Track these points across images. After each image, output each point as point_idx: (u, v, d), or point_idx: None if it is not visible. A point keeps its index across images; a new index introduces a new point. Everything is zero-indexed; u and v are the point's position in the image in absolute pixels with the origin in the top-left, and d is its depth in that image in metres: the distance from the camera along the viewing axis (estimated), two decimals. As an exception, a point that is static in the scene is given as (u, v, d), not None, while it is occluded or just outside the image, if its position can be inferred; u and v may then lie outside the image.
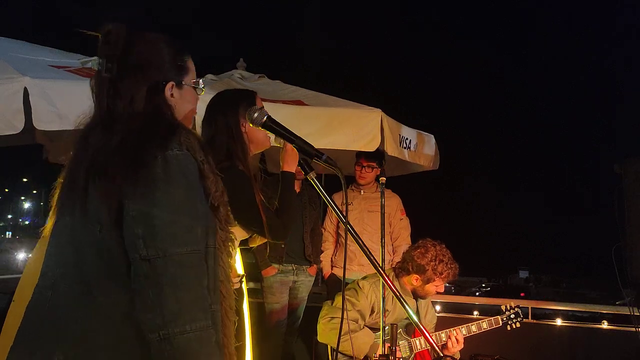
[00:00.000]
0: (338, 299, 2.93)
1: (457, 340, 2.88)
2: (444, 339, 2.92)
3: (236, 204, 1.86)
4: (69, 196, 1.28)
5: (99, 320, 1.19)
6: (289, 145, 1.93)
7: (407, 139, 3.87)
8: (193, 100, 1.44)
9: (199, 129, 3.13)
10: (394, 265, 3.14)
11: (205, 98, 3.14)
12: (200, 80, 1.44)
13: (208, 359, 1.16)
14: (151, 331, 1.14)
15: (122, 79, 1.29)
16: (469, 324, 3.01)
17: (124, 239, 1.18)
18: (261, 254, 3.89)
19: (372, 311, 2.84)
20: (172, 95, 1.35)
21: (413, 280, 2.90)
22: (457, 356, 3.01)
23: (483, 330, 3.03)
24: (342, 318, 1.80)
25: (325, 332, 2.81)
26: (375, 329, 2.82)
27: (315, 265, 4.11)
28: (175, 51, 1.38)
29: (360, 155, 4.06)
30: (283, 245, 3.89)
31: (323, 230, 4.27)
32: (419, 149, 4.08)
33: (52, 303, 1.24)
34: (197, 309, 1.16)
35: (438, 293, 2.98)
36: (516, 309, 3.14)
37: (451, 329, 2.95)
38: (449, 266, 2.86)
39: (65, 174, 1.32)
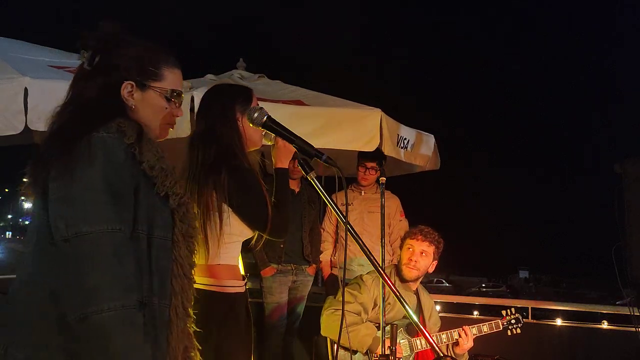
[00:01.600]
0: (340, 293, 2.95)
1: (466, 334, 2.89)
2: (444, 340, 2.93)
3: (246, 200, 1.86)
4: (31, 188, 1.30)
5: (32, 306, 1.21)
6: (281, 142, 1.91)
7: (405, 139, 3.86)
8: (158, 107, 1.42)
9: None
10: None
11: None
12: (173, 92, 1.43)
13: (126, 340, 1.14)
14: (70, 311, 1.14)
15: (96, 72, 1.34)
16: (470, 326, 3.01)
17: (50, 221, 1.20)
18: (260, 254, 3.89)
19: (375, 304, 2.85)
20: (132, 95, 1.37)
21: (400, 256, 3.00)
22: (466, 357, 3.01)
23: (483, 334, 3.04)
24: (342, 318, 1.80)
25: (328, 324, 2.81)
26: (377, 325, 2.82)
27: (314, 265, 4.11)
28: (151, 56, 1.40)
29: (364, 157, 4.06)
30: (282, 245, 3.88)
31: (322, 230, 4.27)
32: (416, 149, 4.06)
33: (7, 297, 1.28)
34: (117, 288, 1.15)
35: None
36: (517, 315, 3.14)
37: (453, 329, 2.95)
38: (417, 227, 3.02)
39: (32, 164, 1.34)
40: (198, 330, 1.84)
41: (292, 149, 1.88)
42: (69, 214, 1.17)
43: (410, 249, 2.93)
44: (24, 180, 1.32)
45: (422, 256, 2.92)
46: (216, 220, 1.85)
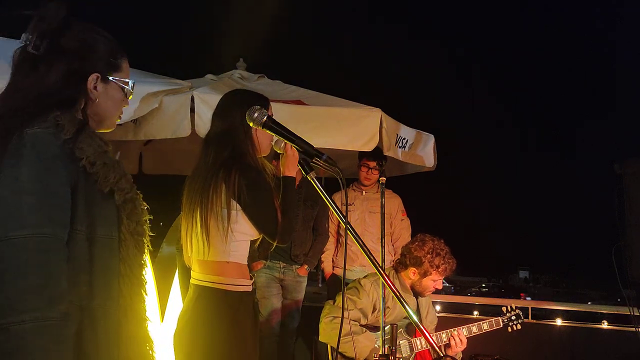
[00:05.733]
0: (340, 299, 2.93)
1: (460, 340, 2.89)
2: (444, 339, 2.93)
3: (255, 200, 1.88)
4: None
5: None
6: (290, 150, 1.93)
7: (404, 138, 3.84)
8: (117, 99, 1.38)
9: (198, 128, 3.16)
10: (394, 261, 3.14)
11: (212, 99, 3.14)
12: (130, 82, 1.40)
13: (46, 355, 1.06)
14: None
15: (45, 56, 1.24)
16: (470, 325, 3.01)
17: None
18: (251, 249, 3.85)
19: (374, 309, 2.84)
20: (95, 87, 1.31)
21: (411, 274, 2.91)
22: (459, 356, 3.01)
23: (483, 331, 3.03)
24: (342, 318, 1.80)
25: (327, 332, 2.81)
26: (377, 327, 2.82)
27: (305, 266, 4.03)
28: (111, 47, 1.35)
29: (365, 156, 4.04)
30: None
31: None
32: (414, 149, 4.04)
33: None
34: (39, 298, 1.07)
35: (437, 291, 2.98)
36: (517, 311, 3.14)
37: (453, 329, 2.95)
38: (446, 260, 2.85)
39: None
40: (206, 327, 1.86)
41: None
42: None
43: (437, 282, 2.90)
44: None
45: (440, 283, 2.95)
46: (224, 216, 1.87)
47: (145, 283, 1.32)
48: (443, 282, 3.05)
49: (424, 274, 2.86)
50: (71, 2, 1.31)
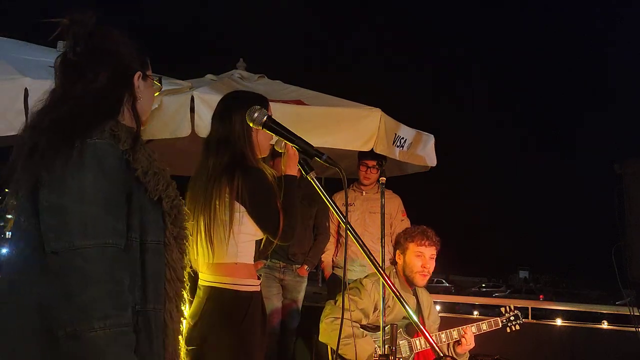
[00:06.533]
0: (340, 298, 2.94)
1: (466, 339, 2.89)
2: (443, 340, 2.93)
3: (258, 201, 1.90)
4: (11, 188, 1.24)
5: (17, 316, 1.16)
6: (292, 150, 1.95)
7: (402, 138, 3.85)
8: (152, 95, 1.44)
9: (198, 128, 3.17)
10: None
11: (212, 98, 3.14)
12: (160, 77, 1.46)
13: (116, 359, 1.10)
14: (59, 327, 1.09)
15: (88, 61, 1.28)
16: (469, 325, 3.01)
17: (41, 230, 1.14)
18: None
19: (375, 309, 2.84)
20: (138, 86, 1.35)
21: (398, 260, 2.95)
22: (466, 356, 3.00)
23: (482, 332, 3.03)
24: (342, 319, 1.80)
25: (327, 333, 2.81)
26: (377, 327, 2.82)
27: (305, 266, 4.04)
28: (139, 46, 1.38)
29: (364, 156, 4.05)
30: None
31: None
32: (412, 148, 4.03)
33: None
34: (109, 306, 1.10)
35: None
36: (516, 312, 3.14)
37: (452, 329, 2.95)
38: (417, 230, 2.95)
39: (14, 162, 1.27)
40: (216, 327, 1.87)
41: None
42: (60, 226, 1.11)
43: (420, 256, 2.88)
44: (5, 171, 1.26)
45: (432, 261, 2.92)
46: (229, 221, 1.89)
47: (188, 285, 1.38)
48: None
49: (404, 251, 2.92)
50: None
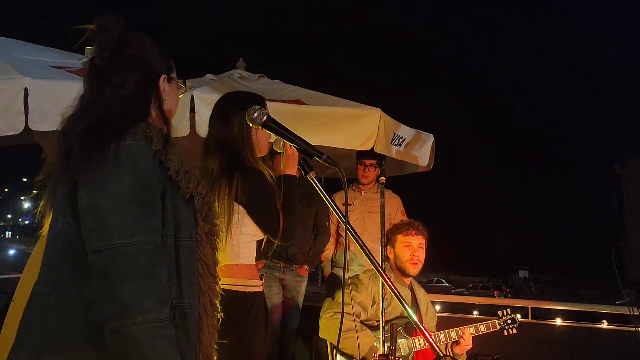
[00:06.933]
0: (339, 295, 2.96)
1: (464, 340, 2.90)
2: (442, 340, 2.94)
3: (258, 202, 1.91)
4: (49, 192, 1.29)
5: (63, 315, 1.19)
6: (290, 150, 1.95)
7: (401, 137, 3.84)
8: (177, 97, 1.48)
9: (198, 128, 3.17)
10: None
11: (212, 98, 3.15)
12: (185, 80, 1.50)
13: (159, 354, 1.13)
14: (104, 324, 1.13)
15: (115, 66, 1.31)
16: (467, 326, 3.02)
17: (82, 231, 1.18)
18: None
19: (374, 302, 2.87)
20: (164, 89, 1.39)
21: (390, 255, 3.00)
22: (464, 357, 3.01)
23: (481, 334, 3.04)
24: (342, 318, 1.80)
25: (327, 328, 2.82)
26: (376, 327, 2.83)
27: (305, 266, 4.04)
28: (163, 50, 1.42)
29: (362, 155, 4.06)
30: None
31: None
32: (410, 148, 4.01)
33: (31, 302, 1.26)
34: (150, 301, 1.14)
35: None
36: (513, 316, 3.15)
37: (459, 328, 2.96)
38: (405, 222, 3.06)
39: (48, 168, 1.32)
40: (223, 329, 1.87)
41: None
42: (100, 226, 1.16)
43: (409, 246, 2.95)
44: (41, 176, 1.31)
45: (420, 250, 2.97)
46: (229, 221, 1.89)
47: (220, 280, 1.42)
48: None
49: (394, 244, 2.99)
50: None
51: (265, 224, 1.94)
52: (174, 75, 1.44)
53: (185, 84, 1.52)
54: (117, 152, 1.19)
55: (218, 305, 1.40)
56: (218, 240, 1.41)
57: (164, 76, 1.39)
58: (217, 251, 1.41)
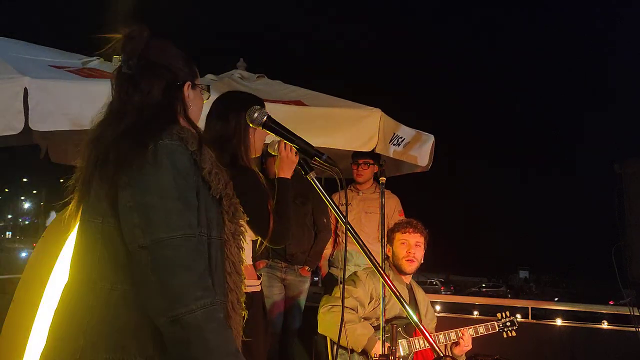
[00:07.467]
0: (336, 289, 2.99)
1: (464, 340, 2.91)
2: (442, 340, 2.94)
3: (249, 204, 1.89)
4: (81, 193, 1.34)
5: (104, 311, 1.23)
6: (284, 152, 1.94)
7: (400, 137, 3.84)
8: (201, 102, 1.52)
9: (201, 124, 3.16)
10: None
11: (212, 98, 3.15)
12: (209, 86, 1.54)
13: (217, 335, 1.19)
14: (159, 316, 1.17)
15: (142, 74, 1.36)
16: (467, 327, 3.02)
17: (122, 229, 1.23)
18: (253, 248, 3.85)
19: (371, 298, 2.88)
20: (188, 95, 1.43)
21: (389, 253, 3.02)
22: (463, 358, 3.02)
23: (480, 335, 3.05)
24: (342, 319, 1.80)
25: (325, 321, 2.82)
26: (375, 327, 2.82)
27: (306, 267, 4.02)
28: (187, 56, 1.46)
29: (356, 154, 4.06)
30: None
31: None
32: (409, 147, 4.01)
33: (66, 301, 1.30)
34: (200, 288, 1.19)
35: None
36: (511, 318, 3.16)
37: (459, 329, 2.96)
38: (404, 220, 3.11)
39: (79, 172, 1.37)
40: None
41: (295, 159, 1.90)
42: (145, 222, 1.20)
43: (405, 243, 2.98)
44: (72, 180, 1.36)
45: (417, 247, 2.99)
46: None
47: (245, 278, 1.46)
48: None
49: (392, 242, 3.03)
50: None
51: (254, 223, 1.92)
52: (197, 82, 1.48)
53: (209, 90, 1.56)
54: (156, 151, 1.24)
55: (243, 303, 1.44)
56: (243, 239, 1.45)
57: (188, 83, 1.43)
58: (242, 250, 1.45)
